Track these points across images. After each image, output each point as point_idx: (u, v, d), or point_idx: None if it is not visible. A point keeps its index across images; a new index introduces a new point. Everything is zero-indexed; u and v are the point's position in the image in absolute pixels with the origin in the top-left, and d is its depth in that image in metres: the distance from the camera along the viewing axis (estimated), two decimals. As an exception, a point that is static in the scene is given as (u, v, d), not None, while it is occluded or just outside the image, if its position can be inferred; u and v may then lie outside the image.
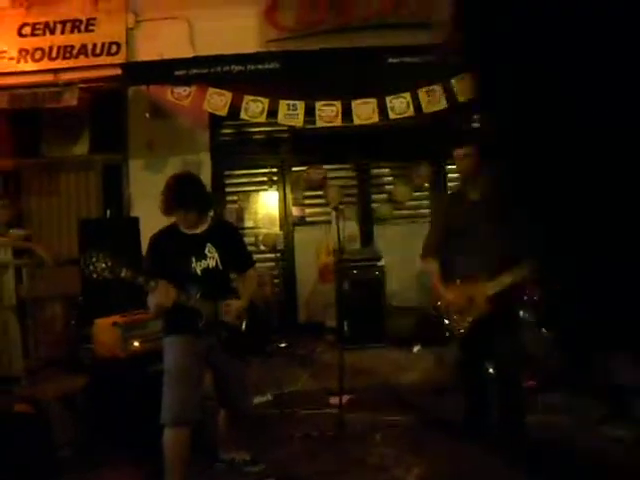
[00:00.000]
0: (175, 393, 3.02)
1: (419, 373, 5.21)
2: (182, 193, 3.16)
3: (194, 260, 3.17)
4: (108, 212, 6.90)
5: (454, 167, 3.91)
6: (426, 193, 7.48)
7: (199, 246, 3.20)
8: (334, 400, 4.24)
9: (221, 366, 3.24)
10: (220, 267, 3.21)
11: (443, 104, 6.10)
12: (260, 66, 6.35)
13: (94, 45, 6.73)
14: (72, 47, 6.71)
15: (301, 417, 4.27)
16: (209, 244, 3.21)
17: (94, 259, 2.93)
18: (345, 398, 4.15)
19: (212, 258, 3.21)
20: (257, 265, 3.66)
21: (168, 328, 3.21)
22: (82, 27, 6.73)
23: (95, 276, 2.93)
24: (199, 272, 3.16)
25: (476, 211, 3.50)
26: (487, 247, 3.38)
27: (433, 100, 6.12)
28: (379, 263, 6.48)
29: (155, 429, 3.03)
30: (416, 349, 6.01)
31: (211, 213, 3.43)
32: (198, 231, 3.24)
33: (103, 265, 2.93)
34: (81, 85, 6.51)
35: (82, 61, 6.71)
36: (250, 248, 6.81)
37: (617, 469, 3.18)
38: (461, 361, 3.80)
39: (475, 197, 3.57)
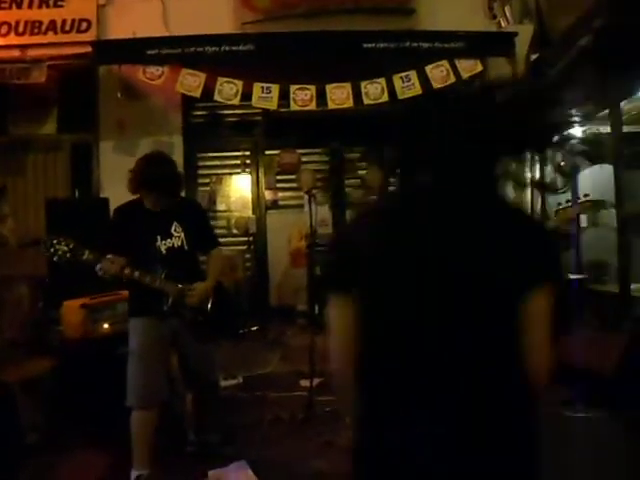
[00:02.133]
0: (140, 375, 3.00)
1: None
2: (151, 175, 3.09)
3: (159, 239, 3.12)
4: (76, 192, 6.78)
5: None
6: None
7: (165, 224, 3.15)
8: (304, 383, 4.27)
9: (187, 348, 3.22)
10: (186, 247, 3.18)
11: (418, 90, 6.12)
12: (235, 48, 6.26)
13: (63, 21, 6.54)
14: (40, 23, 6.52)
15: (271, 400, 4.29)
16: (175, 222, 3.17)
17: (55, 242, 2.88)
18: (315, 381, 4.18)
19: (178, 237, 3.17)
20: (230, 248, 3.65)
21: (132, 310, 3.18)
22: (51, 2, 6.53)
23: (56, 260, 2.88)
24: (164, 251, 3.12)
25: None
26: None
27: (408, 86, 6.13)
28: (351, 248, 6.50)
29: (124, 412, 3.02)
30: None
31: (182, 193, 3.40)
32: (164, 209, 3.18)
33: (65, 248, 2.88)
34: (49, 62, 6.33)
35: (51, 37, 6.52)
36: (222, 231, 6.87)
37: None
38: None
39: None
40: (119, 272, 2.95)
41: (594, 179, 5.73)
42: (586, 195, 5.69)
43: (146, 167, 3.11)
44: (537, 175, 6.92)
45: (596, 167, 5.84)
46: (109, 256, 2.94)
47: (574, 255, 5.49)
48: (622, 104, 5.10)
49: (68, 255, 2.89)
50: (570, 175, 6.23)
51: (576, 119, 5.79)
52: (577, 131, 6.07)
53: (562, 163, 6.68)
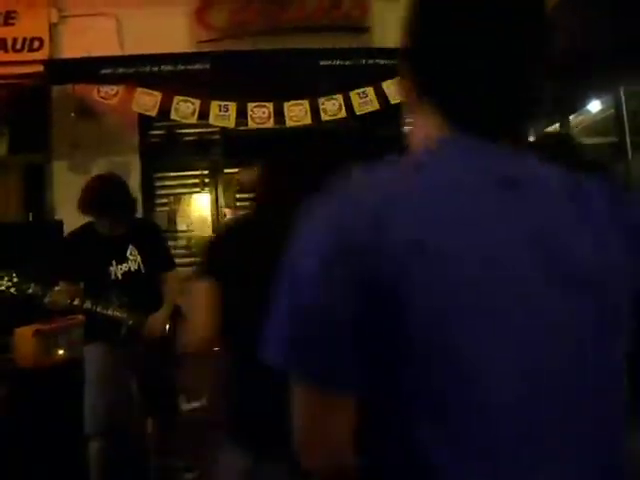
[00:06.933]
0: (98, 402, 2.91)
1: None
2: (100, 199, 3.02)
3: (114, 263, 3.04)
4: (30, 215, 6.59)
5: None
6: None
7: (120, 248, 3.09)
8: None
9: (145, 372, 3.15)
10: (142, 271, 3.11)
11: (375, 106, 6.19)
12: (190, 66, 6.24)
13: (14, 40, 6.40)
14: (-10, 41, 6.37)
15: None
16: (131, 245, 3.11)
17: None
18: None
19: (134, 261, 3.10)
20: (189, 269, 3.59)
21: (88, 336, 3.09)
22: (1, 20, 6.40)
23: None
24: (120, 276, 3.05)
25: None
26: None
27: (365, 102, 6.20)
28: (313, 265, 6.49)
29: (82, 441, 2.91)
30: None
31: (139, 214, 3.33)
32: (118, 232, 3.11)
33: (8, 284, 2.78)
34: (0, 82, 6.18)
35: (1, 56, 6.37)
36: (183, 252, 6.75)
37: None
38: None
39: None
40: (68, 304, 2.87)
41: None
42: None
43: (94, 190, 3.04)
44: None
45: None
46: (57, 287, 2.85)
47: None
48: (571, 117, 5.26)
49: (12, 290, 2.78)
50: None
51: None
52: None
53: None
